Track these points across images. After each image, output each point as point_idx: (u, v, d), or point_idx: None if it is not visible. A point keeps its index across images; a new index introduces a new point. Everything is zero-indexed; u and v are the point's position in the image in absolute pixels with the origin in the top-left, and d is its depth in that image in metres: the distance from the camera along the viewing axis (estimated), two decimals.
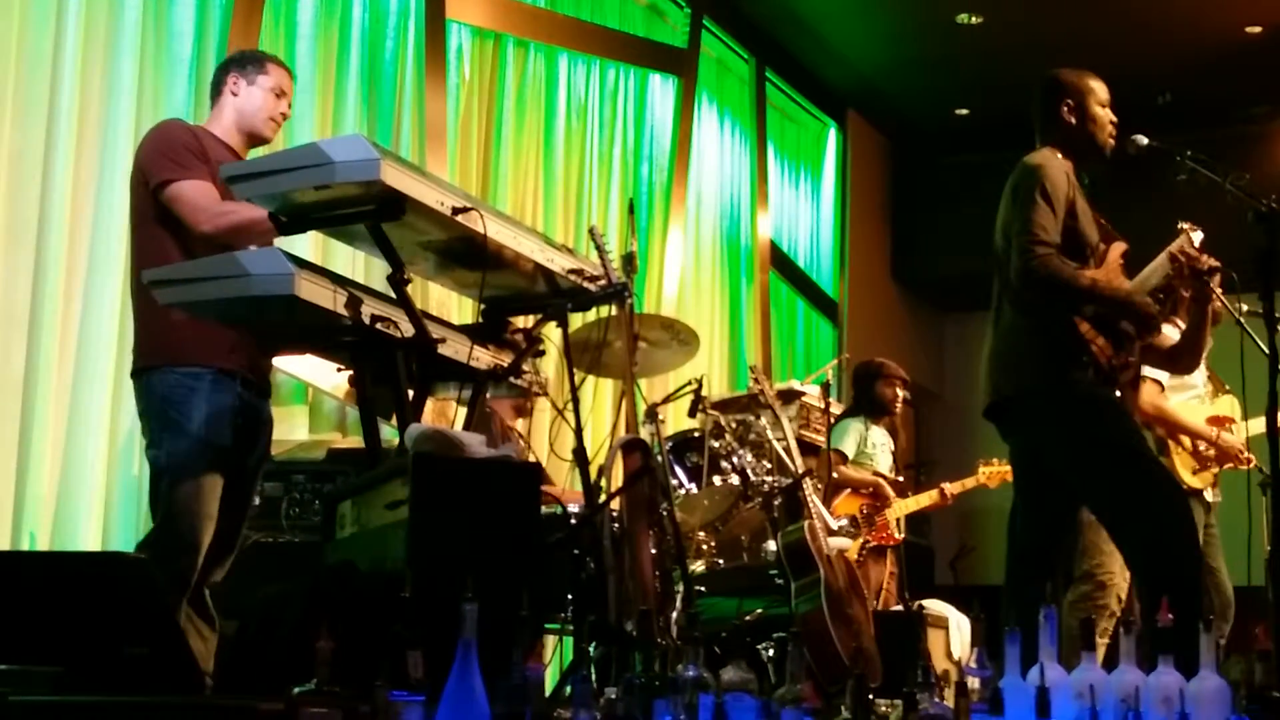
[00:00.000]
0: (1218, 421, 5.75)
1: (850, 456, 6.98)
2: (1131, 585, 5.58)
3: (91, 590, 2.97)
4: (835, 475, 6.73)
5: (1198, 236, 4.36)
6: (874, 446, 7.09)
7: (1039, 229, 4.13)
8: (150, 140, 4.15)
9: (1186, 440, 5.71)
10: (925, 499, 7.15)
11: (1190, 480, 5.60)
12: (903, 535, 7.03)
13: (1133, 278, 4.37)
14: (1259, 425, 5.78)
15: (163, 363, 4.00)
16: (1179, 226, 4.38)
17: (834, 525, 5.52)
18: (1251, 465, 5.67)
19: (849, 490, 6.92)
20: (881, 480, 6.97)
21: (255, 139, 4.30)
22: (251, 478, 4.20)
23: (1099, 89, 4.42)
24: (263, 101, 4.25)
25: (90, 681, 2.71)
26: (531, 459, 5.05)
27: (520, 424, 5.91)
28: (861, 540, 6.77)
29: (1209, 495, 5.74)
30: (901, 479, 7.22)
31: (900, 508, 6.99)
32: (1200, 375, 5.80)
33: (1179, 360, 4.81)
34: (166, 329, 3.95)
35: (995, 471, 7.10)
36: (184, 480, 3.92)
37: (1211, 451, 5.72)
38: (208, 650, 3.97)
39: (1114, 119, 4.42)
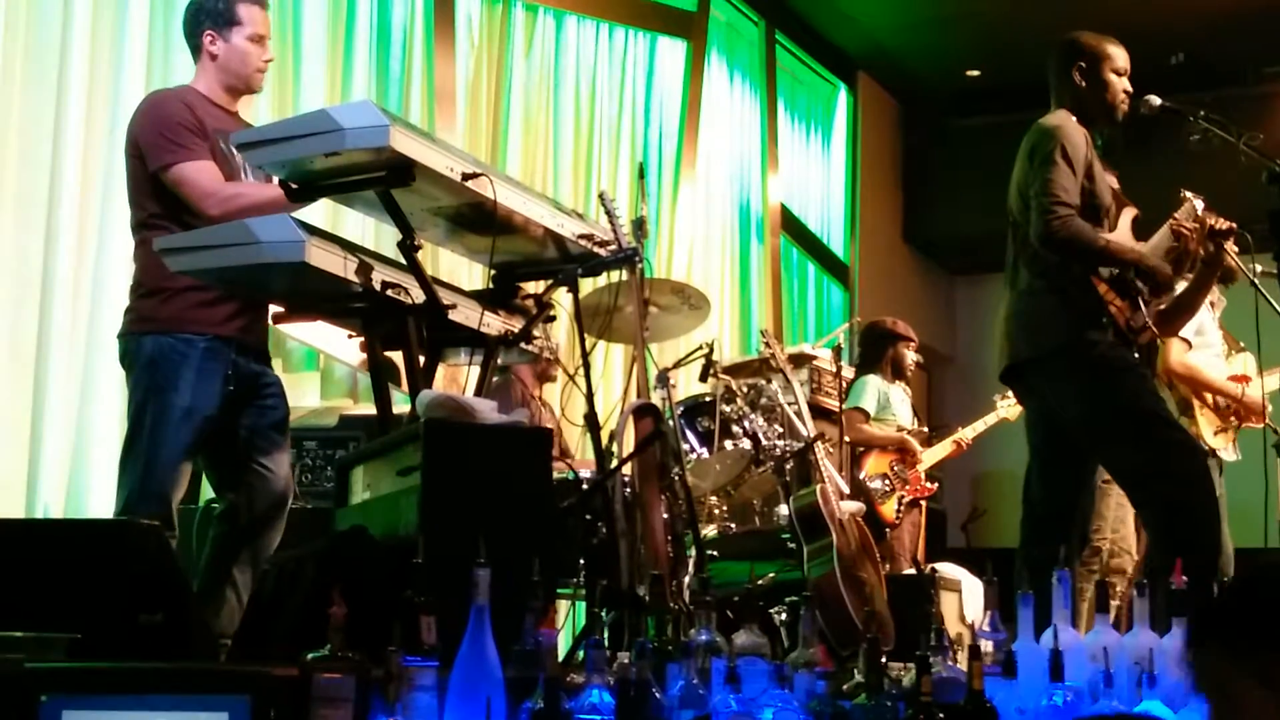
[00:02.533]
0: (1239, 380, 5.74)
1: (872, 414, 6.97)
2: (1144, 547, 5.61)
3: (105, 557, 2.98)
4: (851, 436, 6.73)
5: (1199, 204, 4.35)
6: (894, 401, 7.09)
7: (1060, 189, 4.12)
8: (145, 117, 4.07)
9: (1210, 398, 5.70)
10: (946, 448, 7.16)
11: (1212, 440, 5.59)
12: (934, 485, 7.04)
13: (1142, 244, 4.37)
14: (1273, 381, 5.79)
15: (156, 327, 3.98)
16: (1181, 195, 4.36)
17: (845, 489, 5.52)
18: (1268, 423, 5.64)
19: (876, 449, 6.93)
20: (905, 436, 6.97)
21: (244, 92, 4.26)
22: (265, 439, 4.15)
23: (1117, 55, 4.39)
24: (244, 55, 4.15)
25: (105, 648, 2.72)
26: (551, 425, 5.08)
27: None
28: (897, 496, 6.79)
29: (1227, 455, 5.72)
30: (926, 429, 7.22)
31: (927, 458, 7.01)
32: (1218, 334, 5.79)
33: (1169, 322, 4.82)
34: (164, 294, 3.94)
35: (1014, 404, 7.02)
36: (164, 445, 3.90)
37: (1234, 409, 5.70)
38: (239, 611, 3.97)
39: (1128, 88, 4.39)
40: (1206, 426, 5.60)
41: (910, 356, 7.21)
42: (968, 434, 7.23)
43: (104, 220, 5.00)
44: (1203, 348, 5.73)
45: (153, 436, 3.92)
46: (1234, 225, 4.45)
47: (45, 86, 4.86)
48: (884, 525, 6.69)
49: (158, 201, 3.99)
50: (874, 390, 7.02)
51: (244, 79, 4.20)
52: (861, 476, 6.76)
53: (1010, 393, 6.98)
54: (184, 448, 3.94)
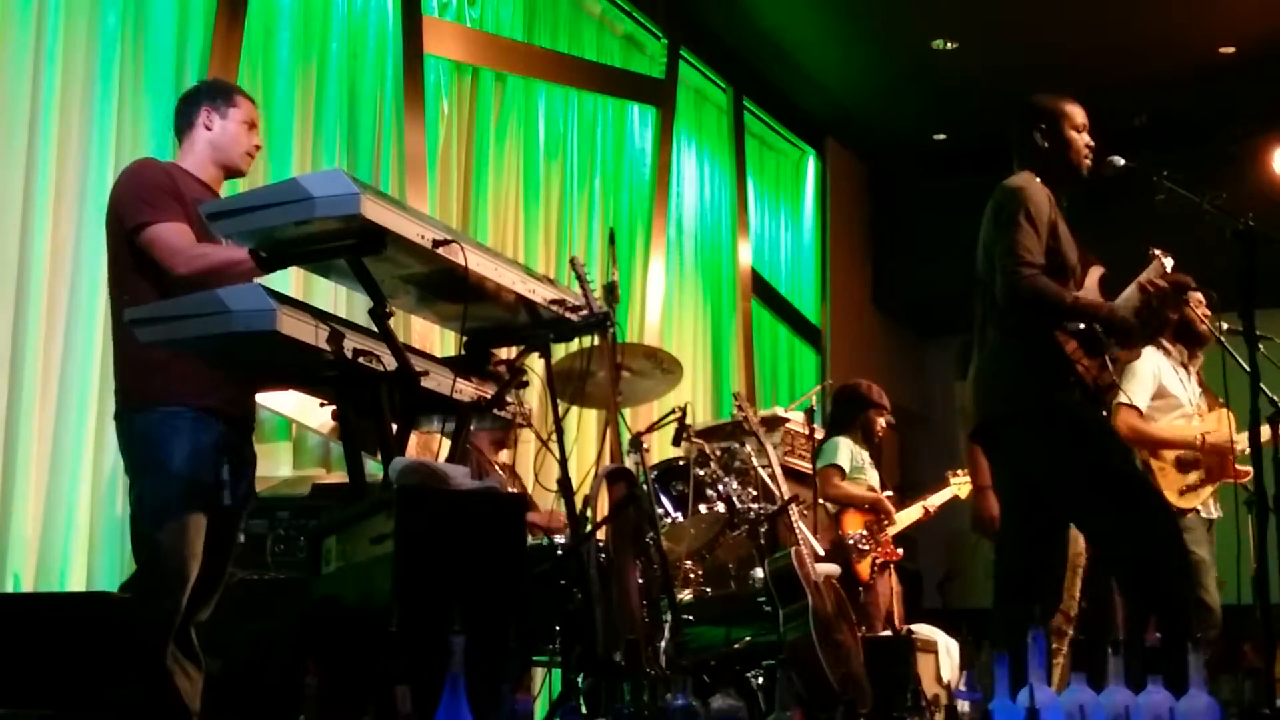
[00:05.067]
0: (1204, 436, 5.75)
1: (847, 472, 6.98)
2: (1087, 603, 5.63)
3: (77, 632, 2.96)
4: (828, 493, 6.74)
5: (1169, 263, 4.39)
6: (864, 463, 7.10)
7: (1024, 250, 4.15)
8: (124, 181, 4.09)
9: (1170, 455, 5.70)
10: (914, 513, 7.17)
11: (1177, 501, 5.59)
12: (901, 551, 7.04)
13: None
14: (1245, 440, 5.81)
15: (144, 403, 3.97)
16: (1151, 253, 4.40)
17: (820, 551, 5.52)
18: (1247, 479, 5.63)
19: (853, 508, 6.92)
20: (881, 496, 6.98)
21: (231, 173, 4.28)
22: (235, 516, 4.15)
23: (1075, 113, 4.45)
24: (236, 135, 4.21)
25: None
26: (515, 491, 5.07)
27: (505, 455, 5.91)
28: (871, 557, 6.78)
29: (1206, 512, 5.73)
30: (890, 494, 7.23)
31: (900, 520, 7.02)
32: (1188, 393, 5.81)
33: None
34: (147, 368, 3.92)
35: (964, 482, 7.17)
36: (167, 520, 3.88)
37: (1200, 460, 5.70)
38: (194, 689, 3.93)
39: (1090, 143, 4.45)
40: (1168, 490, 5.59)
41: (881, 424, 7.23)
42: (933, 502, 7.27)
43: (74, 292, 4.99)
44: (1167, 410, 5.75)
45: (157, 511, 3.89)
46: (1189, 280, 4.49)
47: (14, 163, 4.85)
48: (859, 584, 6.68)
49: (137, 271, 3.98)
50: (847, 449, 7.03)
51: (235, 158, 4.22)
52: (840, 534, 6.76)
53: (960, 470, 7.13)
54: (188, 515, 3.91)
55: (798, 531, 5.25)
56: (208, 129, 4.20)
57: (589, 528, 4.18)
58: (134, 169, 4.16)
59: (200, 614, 4.06)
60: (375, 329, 3.69)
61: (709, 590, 5.37)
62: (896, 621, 6.79)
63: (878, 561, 6.83)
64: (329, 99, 6.25)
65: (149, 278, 3.96)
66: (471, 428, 4.58)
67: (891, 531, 6.94)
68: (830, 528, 6.75)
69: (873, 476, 7.13)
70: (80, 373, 4.95)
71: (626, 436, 5.00)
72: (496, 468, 5.62)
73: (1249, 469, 5.47)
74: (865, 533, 6.82)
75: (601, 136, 8.24)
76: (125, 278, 4.02)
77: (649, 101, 8.65)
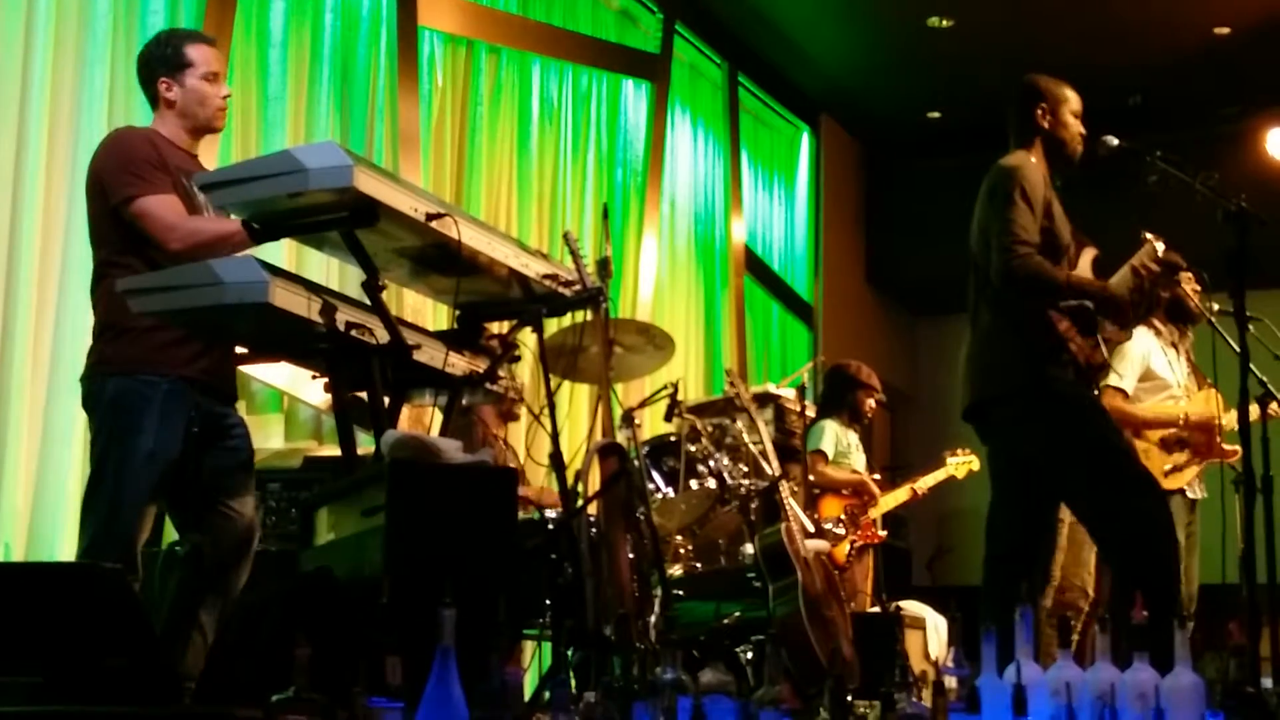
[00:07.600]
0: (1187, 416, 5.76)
1: (830, 457, 6.99)
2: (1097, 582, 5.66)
3: (68, 601, 2.96)
4: (813, 477, 6.74)
5: (1160, 246, 4.40)
6: (850, 447, 7.11)
7: (1019, 229, 4.16)
8: (107, 152, 4.04)
9: (1153, 436, 5.71)
10: (902, 494, 7.20)
11: (1162, 483, 5.60)
12: (884, 533, 7.06)
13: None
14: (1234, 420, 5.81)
15: (119, 368, 3.94)
16: (1142, 236, 4.41)
17: (810, 528, 5.53)
18: (1234, 458, 5.65)
19: (831, 492, 6.93)
20: (865, 478, 6.99)
21: (206, 132, 4.21)
22: (230, 480, 4.10)
23: (1073, 98, 4.46)
24: (202, 97, 4.10)
25: (68, 692, 2.70)
26: (514, 465, 5.08)
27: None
28: (849, 540, 6.79)
29: (1191, 492, 5.75)
30: (878, 476, 7.24)
31: (881, 505, 7.02)
32: (1175, 374, 5.82)
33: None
34: (126, 335, 3.90)
35: (963, 462, 7.18)
36: (125, 489, 3.87)
37: (1185, 438, 5.71)
38: (197, 660, 3.93)
39: (1083, 131, 4.46)
40: (1153, 470, 5.59)
41: (870, 404, 7.23)
42: (923, 484, 7.28)
43: (65, 264, 4.98)
44: (1154, 391, 5.77)
45: (116, 480, 3.88)
46: (1178, 260, 4.49)
47: (5, 132, 4.84)
48: (835, 567, 6.69)
49: (120, 240, 3.95)
50: (832, 434, 7.04)
51: (205, 119, 4.14)
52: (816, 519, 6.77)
53: (959, 450, 7.14)
54: (148, 491, 3.91)
55: (788, 508, 5.26)
56: (170, 101, 4.11)
57: (580, 502, 4.19)
58: (116, 139, 4.10)
59: (238, 580, 4.05)
60: (368, 302, 3.69)
61: (699, 565, 5.38)
62: (857, 606, 6.79)
63: (855, 545, 6.84)
64: (322, 71, 6.24)
65: (136, 248, 3.93)
66: (473, 401, 4.59)
67: (875, 513, 6.94)
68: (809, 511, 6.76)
69: (859, 460, 7.14)
70: (71, 344, 4.94)
71: (618, 412, 5.00)
72: (501, 442, 5.63)
73: (1236, 448, 5.50)
74: (842, 517, 6.82)
75: (596, 111, 8.22)
76: (109, 248, 3.99)
77: (643, 76, 8.64)
